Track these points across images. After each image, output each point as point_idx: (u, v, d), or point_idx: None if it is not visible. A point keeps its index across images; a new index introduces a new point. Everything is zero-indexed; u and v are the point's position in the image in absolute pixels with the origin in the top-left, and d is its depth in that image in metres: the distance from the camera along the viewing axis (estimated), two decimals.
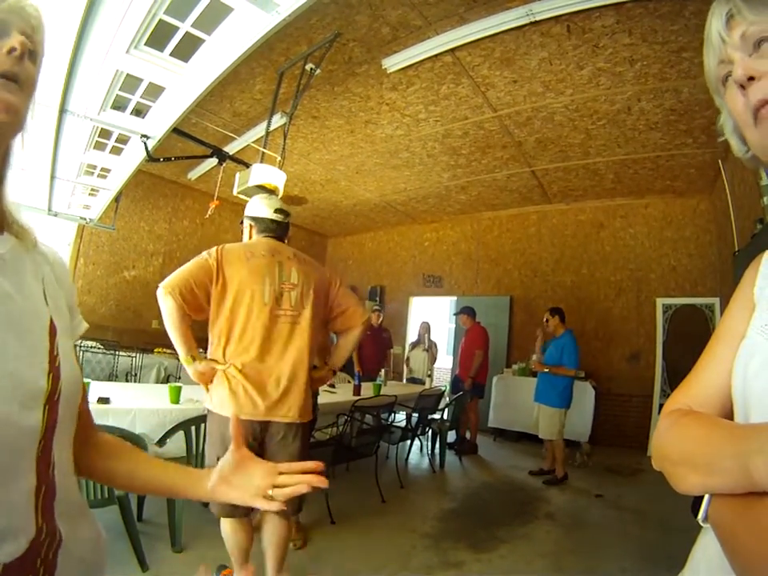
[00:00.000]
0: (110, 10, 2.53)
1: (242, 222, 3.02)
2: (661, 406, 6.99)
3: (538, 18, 3.93)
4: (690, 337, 7.04)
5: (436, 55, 4.62)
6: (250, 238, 2.95)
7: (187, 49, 3.09)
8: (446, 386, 7.68)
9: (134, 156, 4.92)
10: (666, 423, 0.78)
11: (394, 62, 4.79)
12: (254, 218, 2.96)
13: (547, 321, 5.99)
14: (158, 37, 2.94)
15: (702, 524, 0.68)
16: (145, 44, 2.95)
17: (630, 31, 3.99)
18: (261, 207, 2.97)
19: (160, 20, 2.71)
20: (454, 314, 7.74)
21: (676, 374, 7.13)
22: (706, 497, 0.65)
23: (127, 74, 3.35)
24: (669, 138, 5.76)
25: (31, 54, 0.74)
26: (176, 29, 2.86)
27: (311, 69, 4.83)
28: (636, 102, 5.05)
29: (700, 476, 0.64)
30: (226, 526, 2.70)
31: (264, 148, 5.29)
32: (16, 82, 0.71)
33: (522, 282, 9.19)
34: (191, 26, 2.82)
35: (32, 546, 0.67)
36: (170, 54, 3.11)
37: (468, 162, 7.18)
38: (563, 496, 5.29)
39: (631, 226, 8.07)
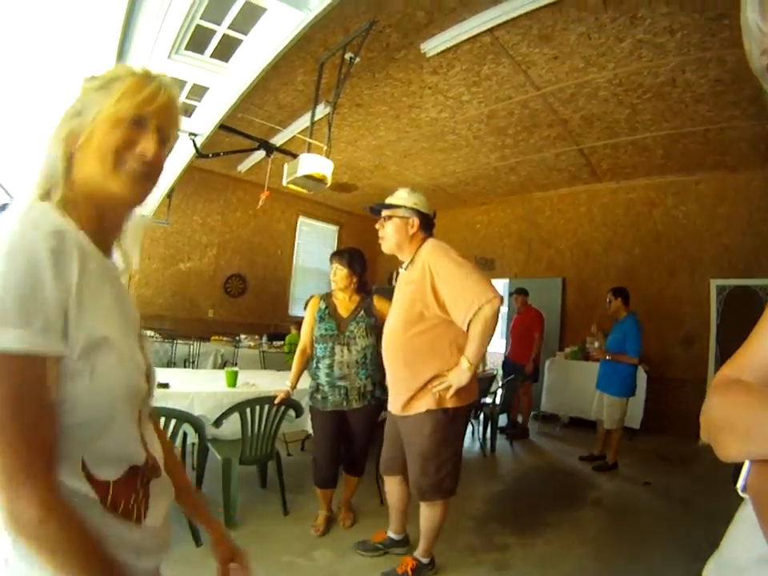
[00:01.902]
0: (148, 19, 2.67)
1: (388, 218, 2.95)
2: None
3: None
4: (745, 320, 6.70)
5: (474, 36, 4.61)
6: (413, 233, 2.91)
7: (227, 49, 3.23)
8: (497, 370, 7.67)
9: (183, 153, 5.12)
10: (714, 392, 0.78)
11: (432, 46, 4.82)
12: (424, 215, 2.95)
13: (609, 302, 5.78)
14: (197, 40, 3.09)
15: (740, 493, 0.67)
16: (185, 48, 3.09)
17: (667, 0, 3.88)
18: (426, 204, 2.99)
19: (197, 25, 2.84)
20: (510, 294, 7.69)
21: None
22: (746, 465, 0.65)
23: (171, 78, 3.50)
24: (717, 110, 5.55)
25: (164, 141, 0.98)
26: (213, 32, 2.99)
27: (350, 57, 4.91)
28: (680, 74, 4.88)
29: (740, 442, 0.65)
30: None
31: (310, 138, 5.40)
32: (147, 173, 0.96)
33: (575, 263, 9.03)
34: (228, 27, 2.95)
35: (133, 468, 0.92)
36: (211, 56, 3.25)
37: (515, 142, 7.12)
38: (611, 483, 5.24)
39: (683, 204, 7.79)
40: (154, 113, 0.95)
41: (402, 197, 2.96)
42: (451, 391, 2.71)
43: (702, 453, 6.31)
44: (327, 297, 3.64)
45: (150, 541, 0.92)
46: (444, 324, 2.76)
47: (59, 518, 0.74)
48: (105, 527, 0.82)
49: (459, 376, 2.69)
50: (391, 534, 3.33)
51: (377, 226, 3.00)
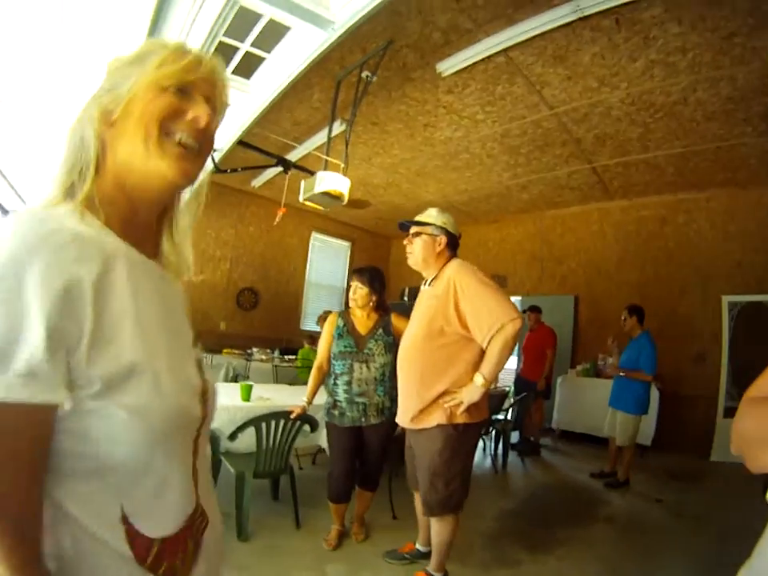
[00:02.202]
0: (172, 34, 2.75)
1: (417, 234, 3.00)
2: (726, 408, 6.93)
3: (586, 13, 3.95)
4: (757, 336, 6.71)
5: (489, 56, 4.69)
6: (439, 250, 2.97)
7: (249, 66, 3.30)
8: (510, 387, 7.67)
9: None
10: (745, 407, 0.79)
11: (448, 66, 4.91)
12: (451, 234, 3.02)
13: (624, 320, 5.77)
14: (220, 57, 3.15)
15: None
16: None
17: (679, 20, 3.94)
18: (454, 225, 3.06)
19: (220, 41, 2.91)
20: (523, 311, 7.73)
21: (742, 375, 6.81)
22: None
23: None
24: (727, 127, 5.59)
25: (212, 114, 0.85)
26: (236, 49, 3.07)
27: (367, 76, 4.99)
28: (692, 93, 4.95)
29: None
30: None
31: (327, 155, 5.46)
32: (197, 149, 0.83)
33: (587, 280, 9.03)
34: (251, 45, 3.02)
35: (187, 521, 0.81)
36: (233, 72, 3.32)
37: (528, 160, 7.18)
38: (623, 499, 5.22)
39: (694, 221, 7.79)
40: (199, 81, 0.83)
41: (432, 215, 3.03)
42: (462, 407, 2.74)
43: (713, 470, 6.33)
44: (345, 314, 3.68)
45: None
46: (463, 341, 2.80)
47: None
48: None
49: (472, 392, 2.73)
50: (419, 546, 3.40)
51: (405, 242, 3.08)
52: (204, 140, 0.85)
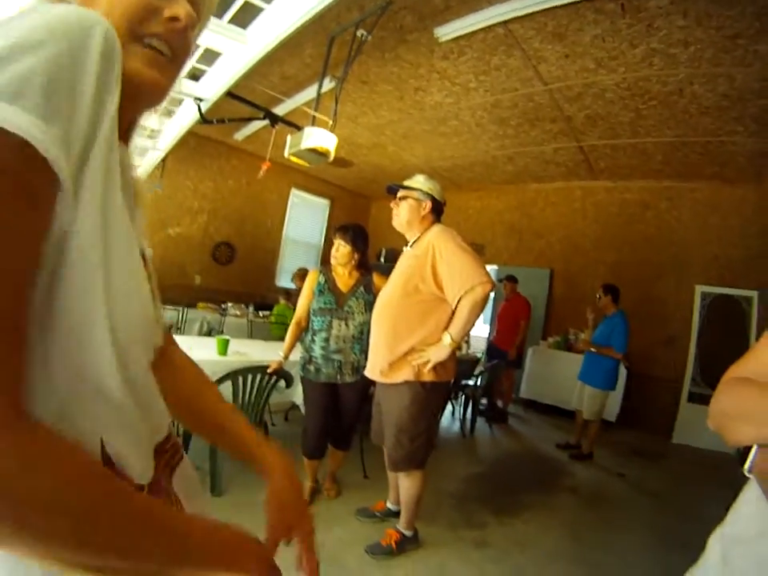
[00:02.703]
0: None
1: (404, 198, 3.11)
2: (690, 393, 7.20)
3: None
4: (726, 327, 6.98)
5: (488, 26, 4.60)
6: (424, 214, 3.08)
7: (246, 16, 3.21)
8: (481, 354, 7.78)
9: (185, 118, 5.07)
10: (725, 386, 0.85)
11: (446, 32, 4.80)
12: (436, 201, 3.11)
13: (599, 297, 5.89)
14: (218, 3, 3.07)
15: (747, 474, 0.75)
16: None
17: (685, 13, 3.90)
18: (440, 192, 3.14)
19: None
20: (499, 281, 7.78)
21: (708, 363, 7.09)
22: (754, 449, 0.73)
23: None
24: (720, 123, 5.63)
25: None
26: None
27: (362, 35, 4.87)
28: (688, 85, 4.94)
29: (754, 426, 0.72)
30: None
31: (315, 111, 5.37)
32: (170, 55, 0.68)
33: (564, 256, 9.12)
34: None
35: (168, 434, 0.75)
36: (229, 21, 3.23)
37: (516, 132, 7.13)
38: (587, 471, 5.40)
39: (676, 209, 7.89)
40: None
41: (419, 181, 3.13)
42: (429, 365, 2.87)
43: (674, 451, 6.62)
44: (326, 271, 3.68)
45: None
46: (436, 301, 2.92)
47: (57, 462, 0.44)
48: None
49: (439, 351, 2.85)
50: (389, 505, 3.53)
51: (391, 205, 3.17)
52: (180, 45, 0.69)
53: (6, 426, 0.41)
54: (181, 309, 7.35)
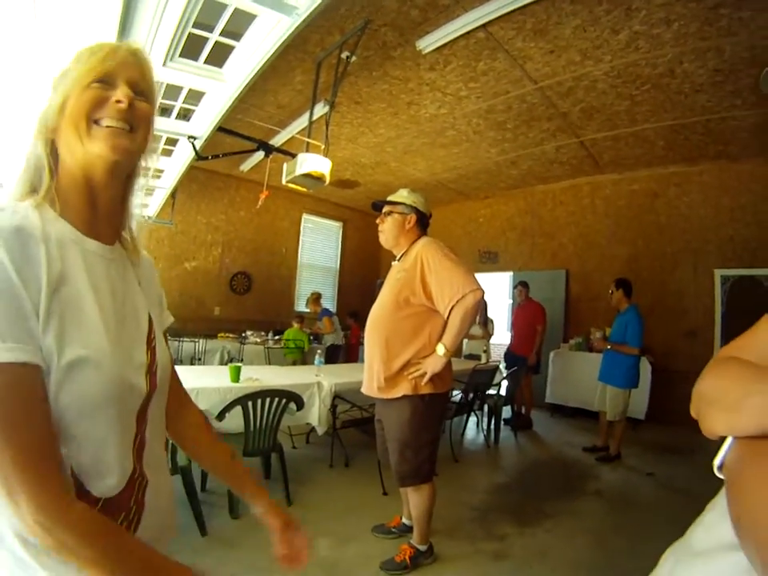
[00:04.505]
0: (142, 28, 2.74)
1: (388, 213, 3.12)
2: None
3: None
4: (750, 310, 6.66)
5: (468, 32, 4.62)
6: (409, 228, 3.10)
7: (220, 55, 3.29)
8: (500, 362, 7.70)
9: (183, 155, 5.20)
10: (709, 367, 0.75)
11: (427, 43, 4.84)
12: (421, 213, 3.15)
13: (611, 293, 5.78)
14: (191, 48, 3.15)
15: (716, 473, 0.64)
16: (179, 56, 3.16)
17: None
18: (424, 204, 3.17)
19: (190, 33, 2.90)
20: (514, 287, 7.75)
21: None
22: (727, 441, 0.62)
23: (167, 84, 3.60)
24: (716, 99, 5.51)
25: (140, 94, 0.92)
26: (206, 39, 3.06)
27: (347, 56, 4.94)
28: (678, 65, 4.86)
29: (725, 413, 0.62)
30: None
31: (308, 137, 5.44)
32: (128, 127, 0.90)
33: (578, 255, 9.00)
34: (220, 35, 3.02)
35: (129, 483, 0.89)
36: (205, 62, 3.31)
37: (515, 136, 7.12)
38: (614, 473, 5.26)
39: (686, 195, 7.72)
40: (119, 67, 0.90)
41: (402, 195, 3.16)
42: (426, 378, 2.88)
43: (705, 444, 6.30)
44: None
45: None
46: (428, 313, 2.92)
47: (67, 522, 0.72)
48: None
49: (435, 362, 2.86)
50: (404, 520, 3.50)
51: (377, 221, 3.18)
52: (134, 118, 0.91)
53: (62, 509, 0.73)
54: (199, 340, 7.48)
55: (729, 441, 0.61)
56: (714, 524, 0.66)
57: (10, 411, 0.71)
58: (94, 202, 0.92)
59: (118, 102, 0.88)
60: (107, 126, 0.88)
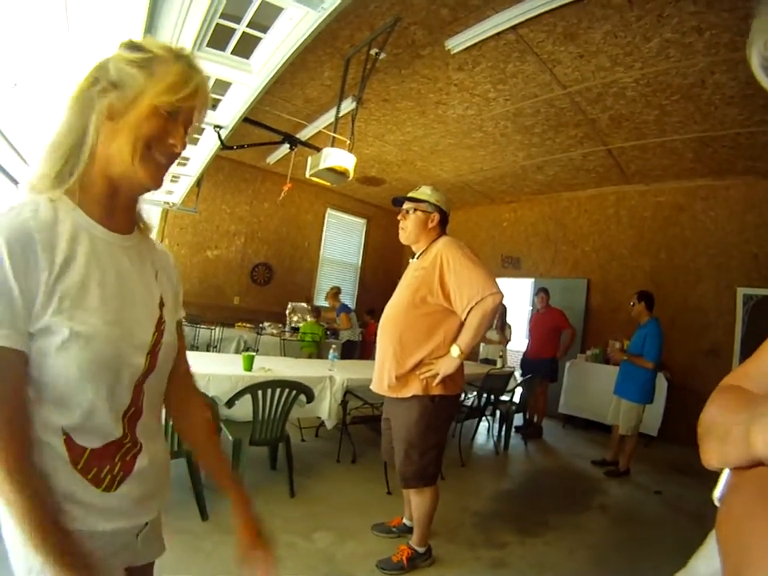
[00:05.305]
0: (170, 18, 2.78)
1: (412, 210, 3.06)
2: None
3: None
4: None
5: (498, 33, 4.59)
6: (431, 227, 3.05)
7: (247, 46, 3.32)
8: (515, 368, 7.64)
9: (209, 144, 5.25)
10: (713, 396, 0.75)
11: (456, 43, 4.83)
12: (443, 212, 3.10)
13: (633, 305, 5.67)
14: (219, 38, 3.18)
15: (717, 504, 0.64)
16: (207, 45, 3.19)
17: None
18: (446, 203, 3.13)
19: (217, 24, 2.93)
20: (535, 294, 7.70)
21: None
22: (724, 473, 0.62)
23: (204, 71, 3.63)
24: (747, 113, 5.37)
25: (186, 130, 1.03)
26: (233, 30, 3.09)
27: (376, 53, 4.96)
28: (709, 75, 4.76)
29: (717, 444, 0.62)
30: None
31: (335, 132, 5.46)
32: (165, 165, 1.02)
33: (600, 264, 8.88)
34: (247, 26, 3.04)
35: (115, 443, 0.99)
36: (232, 52, 3.34)
37: (542, 140, 7.06)
38: (621, 489, 5.20)
39: (712, 209, 7.54)
40: (186, 108, 0.99)
41: (426, 192, 3.09)
42: (437, 379, 2.83)
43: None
44: None
45: (116, 507, 1.00)
46: (444, 313, 2.88)
47: (17, 481, 0.82)
48: (71, 484, 0.93)
49: (448, 364, 2.81)
50: (406, 521, 3.49)
51: (399, 218, 3.14)
52: (172, 161, 1.03)
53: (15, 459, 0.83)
54: (215, 328, 7.64)
55: (726, 471, 0.62)
56: (715, 555, 0.65)
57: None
58: (114, 195, 1.00)
59: (173, 145, 0.99)
60: (158, 157, 0.98)
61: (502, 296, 2.77)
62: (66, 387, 0.91)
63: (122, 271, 1.00)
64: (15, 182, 4.66)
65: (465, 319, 2.81)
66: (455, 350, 2.81)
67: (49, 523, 0.85)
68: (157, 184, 1.01)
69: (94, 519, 0.96)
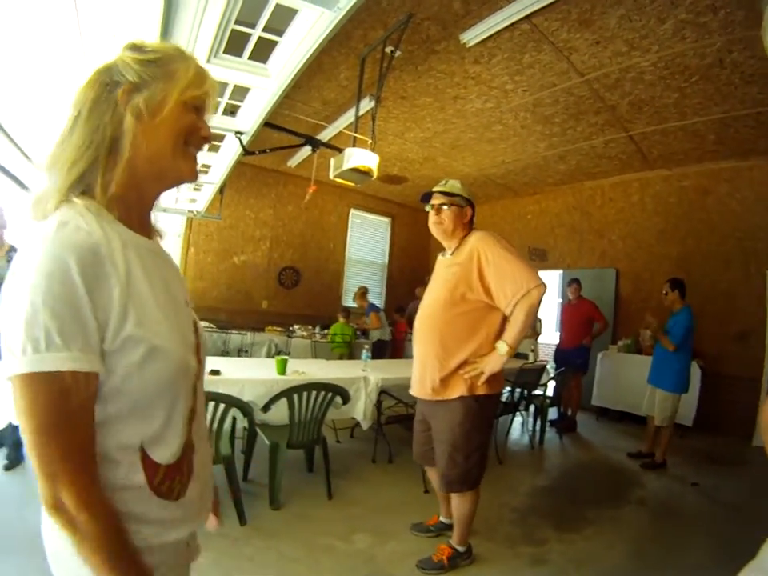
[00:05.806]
0: (184, 25, 2.81)
1: (448, 205, 2.97)
2: None
3: None
4: None
5: (512, 24, 4.58)
6: (465, 222, 3.00)
7: (264, 50, 3.34)
8: (549, 362, 7.59)
9: (230, 151, 5.30)
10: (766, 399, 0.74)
11: (471, 36, 4.83)
12: (473, 207, 3.06)
13: (666, 294, 5.56)
14: (235, 44, 3.21)
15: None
16: (223, 52, 3.22)
17: None
18: (473, 195, 3.08)
19: (233, 30, 2.96)
20: (567, 285, 7.61)
21: None
22: None
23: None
24: None
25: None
26: (249, 35, 3.12)
27: (391, 51, 4.97)
28: (727, 54, 4.68)
29: None
30: None
31: (355, 132, 5.48)
32: (196, 155, 1.06)
33: (627, 253, 8.74)
34: (263, 30, 3.07)
35: (183, 451, 1.00)
36: (249, 58, 3.37)
37: (563, 130, 7.01)
38: (658, 481, 5.12)
39: (737, 191, 7.35)
40: (209, 101, 1.05)
41: (456, 187, 3.00)
42: (483, 377, 2.75)
43: (754, 455, 6.05)
44: None
45: (183, 514, 1.01)
46: (485, 309, 2.80)
47: (92, 513, 0.81)
48: (144, 504, 0.93)
49: (494, 361, 2.73)
50: (442, 519, 3.47)
51: (432, 212, 3.02)
52: (201, 149, 1.09)
53: (76, 495, 0.80)
54: (246, 333, 7.71)
55: None
56: None
57: (66, 412, 0.80)
58: (140, 199, 1.02)
59: (205, 137, 1.05)
60: (194, 149, 1.04)
61: (545, 287, 2.69)
62: (148, 398, 0.92)
63: (165, 277, 1.02)
64: (24, 186, 4.76)
65: (510, 314, 2.73)
66: (502, 347, 2.71)
67: (123, 553, 0.86)
68: (196, 176, 1.06)
69: (166, 531, 0.96)
